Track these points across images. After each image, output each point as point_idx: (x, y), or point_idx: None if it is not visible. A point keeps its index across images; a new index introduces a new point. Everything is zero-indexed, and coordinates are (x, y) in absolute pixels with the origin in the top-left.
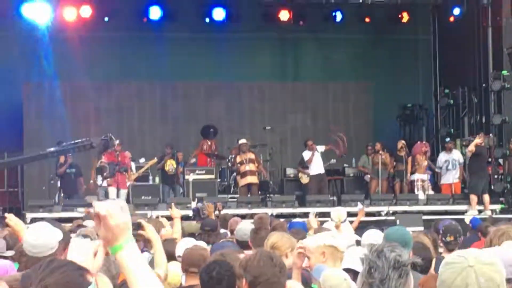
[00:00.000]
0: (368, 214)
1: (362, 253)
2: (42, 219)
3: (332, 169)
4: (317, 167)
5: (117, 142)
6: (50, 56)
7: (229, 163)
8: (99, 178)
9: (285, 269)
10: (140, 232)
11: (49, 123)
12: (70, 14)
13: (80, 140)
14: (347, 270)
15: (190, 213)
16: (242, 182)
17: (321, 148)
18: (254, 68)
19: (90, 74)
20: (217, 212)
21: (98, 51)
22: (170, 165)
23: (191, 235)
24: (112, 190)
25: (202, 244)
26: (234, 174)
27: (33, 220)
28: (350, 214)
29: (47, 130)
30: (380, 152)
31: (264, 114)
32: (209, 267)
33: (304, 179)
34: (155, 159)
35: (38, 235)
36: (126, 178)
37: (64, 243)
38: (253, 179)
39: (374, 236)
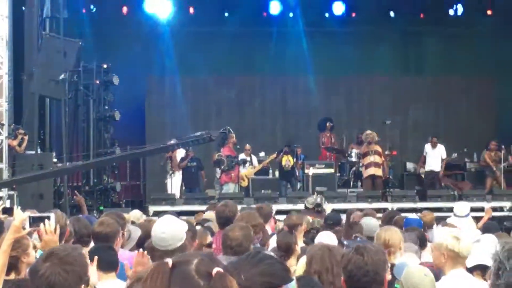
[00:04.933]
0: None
1: (493, 250)
2: (164, 212)
3: (453, 164)
4: (432, 163)
5: (231, 135)
6: (172, 50)
7: (348, 157)
8: (218, 171)
9: (380, 266)
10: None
11: (170, 117)
12: (191, 8)
13: (199, 133)
14: (476, 267)
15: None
16: (366, 173)
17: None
18: (375, 62)
19: (211, 68)
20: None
21: (219, 45)
22: (287, 160)
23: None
24: (230, 186)
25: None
26: (354, 168)
27: (156, 213)
28: (472, 209)
29: (168, 124)
30: (495, 149)
31: (384, 108)
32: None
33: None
34: (275, 154)
35: (165, 228)
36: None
37: (192, 233)
38: (377, 171)
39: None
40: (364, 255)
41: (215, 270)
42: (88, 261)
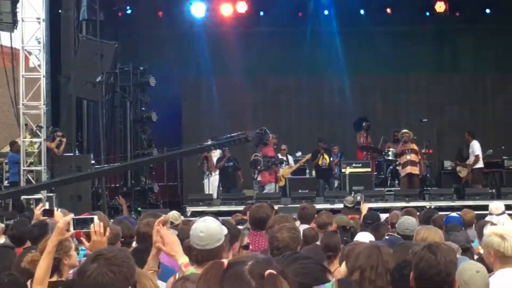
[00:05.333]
0: None
1: None
2: (202, 212)
3: (490, 162)
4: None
5: (272, 136)
6: (207, 51)
7: (385, 156)
8: (255, 171)
9: (452, 267)
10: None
11: (207, 118)
12: (226, 9)
13: (235, 134)
14: None
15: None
16: (403, 172)
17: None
18: (410, 61)
19: (247, 69)
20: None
21: (254, 46)
22: (323, 159)
23: (343, 228)
24: (272, 186)
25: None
26: (391, 167)
27: (193, 214)
28: (508, 207)
29: (205, 124)
30: None
31: (421, 107)
32: (400, 265)
33: (463, 173)
34: (310, 155)
35: (203, 228)
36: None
37: (231, 236)
38: (414, 169)
39: None
40: (437, 254)
41: (268, 271)
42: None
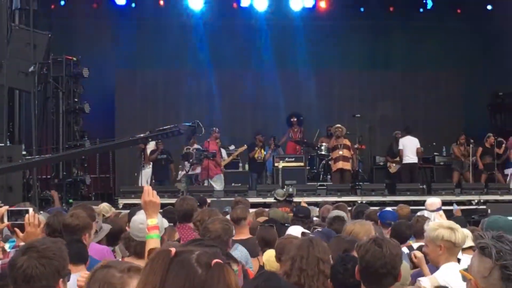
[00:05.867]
0: (458, 203)
1: (477, 240)
2: (134, 205)
3: (421, 158)
4: (410, 155)
5: (214, 129)
6: (140, 42)
7: (318, 151)
8: (186, 164)
9: (397, 260)
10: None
11: (140, 110)
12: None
13: (168, 127)
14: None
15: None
16: (334, 167)
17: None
18: (345, 56)
19: (181, 61)
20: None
21: (189, 38)
22: (259, 153)
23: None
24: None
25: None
26: (323, 162)
27: (125, 206)
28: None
29: (138, 117)
30: (464, 143)
31: (354, 102)
32: (344, 259)
33: (393, 168)
34: (245, 146)
35: (143, 220)
36: (213, 165)
37: (170, 228)
38: (345, 165)
39: None
40: (383, 247)
41: (215, 260)
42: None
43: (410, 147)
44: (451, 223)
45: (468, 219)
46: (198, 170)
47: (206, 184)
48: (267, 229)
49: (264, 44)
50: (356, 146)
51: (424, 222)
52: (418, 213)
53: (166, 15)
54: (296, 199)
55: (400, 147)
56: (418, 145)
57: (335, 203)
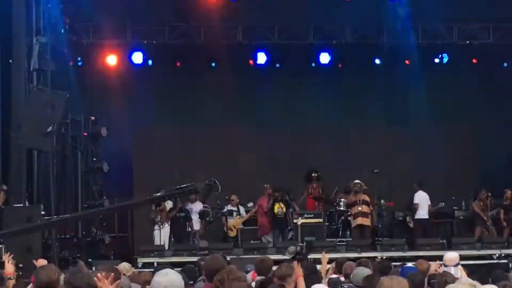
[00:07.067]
0: (479, 257)
1: None
2: (153, 264)
3: (441, 212)
4: (420, 211)
5: (266, 186)
6: (158, 101)
7: (337, 207)
8: (202, 222)
9: None
10: None
11: (158, 168)
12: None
13: (185, 185)
14: None
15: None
16: (354, 223)
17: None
18: (361, 112)
19: (199, 120)
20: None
21: (206, 96)
22: (279, 207)
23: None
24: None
25: None
26: (342, 217)
27: (145, 265)
28: (462, 257)
29: (156, 175)
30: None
31: (372, 157)
32: None
33: (412, 223)
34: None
35: (167, 282)
36: (267, 221)
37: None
38: (365, 220)
39: None
40: None
41: None
42: None
43: (422, 203)
44: (471, 281)
45: (489, 273)
46: (197, 227)
47: (264, 240)
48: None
49: (280, 100)
50: (382, 202)
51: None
52: (444, 269)
53: (183, 74)
54: (314, 256)
55: (416, 201)
56: (429, 202)
57: (357, 259)
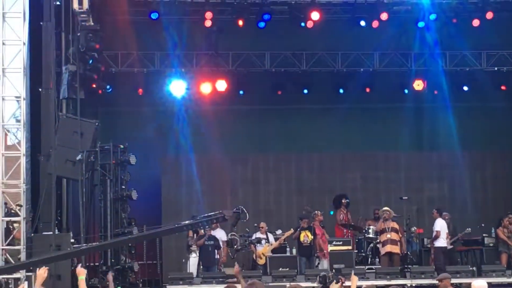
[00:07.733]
0: (509, 285)
1: None
2: None
3: (471, 239)
4: (442, 239)
5: (317, 213)
6: (186, 129)
7: (365, 234)
8: (229, 250)
9: None
10: None
11: (186, 196)
12: (205, 88)
13: (213, 213)
14: None
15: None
16: (383, 250)
17: None
18: (390, 138)
19: (226, 147)
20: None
21: (233, 124)
22: (305, 236)
23: None
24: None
25: None
26: (371, 245)
27: None
28: (492, 285)
29: (184, 203)
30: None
31: (400, 184)
32: None
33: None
34: (291, 230)
35: None
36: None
37: None
38: (394, 248)
39: None
40: None
41: None
42: None
43: (442, 231)
44: None
45: None
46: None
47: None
48: None
49: (308, 126)
50: (413, 230)
51: None
52: None
53: (211, 102)
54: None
55: (437, 228)
56: (447, 230)
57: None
